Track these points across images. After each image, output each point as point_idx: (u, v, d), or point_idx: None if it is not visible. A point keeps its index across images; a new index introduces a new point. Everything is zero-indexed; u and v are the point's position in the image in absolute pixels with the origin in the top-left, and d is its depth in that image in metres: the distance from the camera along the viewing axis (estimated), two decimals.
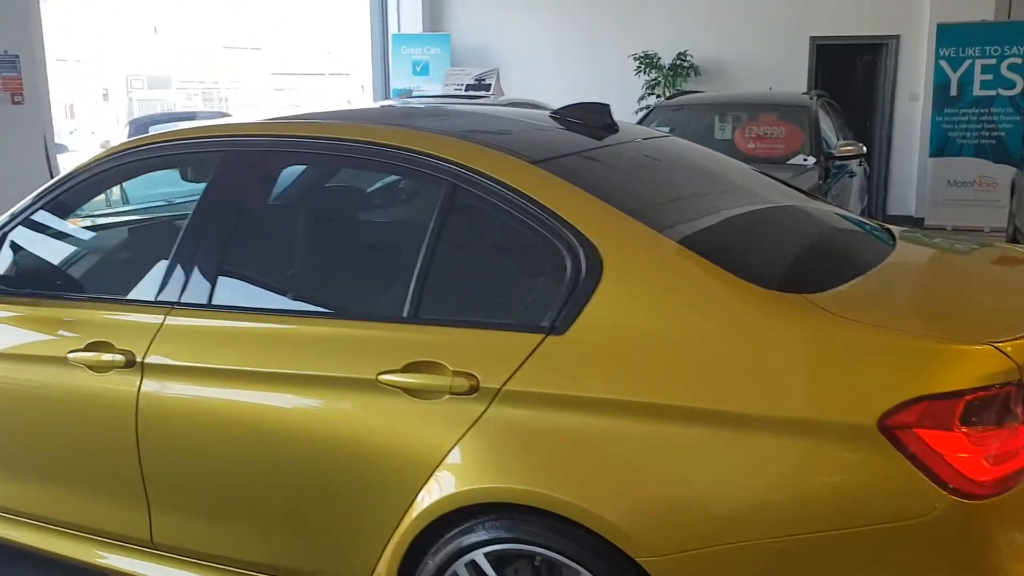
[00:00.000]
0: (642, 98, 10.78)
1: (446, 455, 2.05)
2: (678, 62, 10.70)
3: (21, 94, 7.10)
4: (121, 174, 2.94)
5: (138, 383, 2.45)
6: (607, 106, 2.70)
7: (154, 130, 9.87)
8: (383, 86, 12.30)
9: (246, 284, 2.57)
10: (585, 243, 2.05)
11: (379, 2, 12.20)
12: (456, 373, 2.06)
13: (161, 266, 2.56)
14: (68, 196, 2.84)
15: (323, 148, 2.47)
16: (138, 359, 2.46)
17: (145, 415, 2.45)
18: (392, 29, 12.15)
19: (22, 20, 7.12)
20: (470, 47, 11.82)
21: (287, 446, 2.26)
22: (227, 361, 2.36)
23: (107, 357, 2.50)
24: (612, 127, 2.68)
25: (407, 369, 2.12)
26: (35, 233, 2.89)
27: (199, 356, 2.40)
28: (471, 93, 9.09)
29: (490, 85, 9.16)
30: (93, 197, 2.99)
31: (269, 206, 2.71)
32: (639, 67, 10.75)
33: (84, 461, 2.62)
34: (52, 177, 7.35)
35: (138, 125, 11.69)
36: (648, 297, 2.00)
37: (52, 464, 2.70)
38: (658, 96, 10.80)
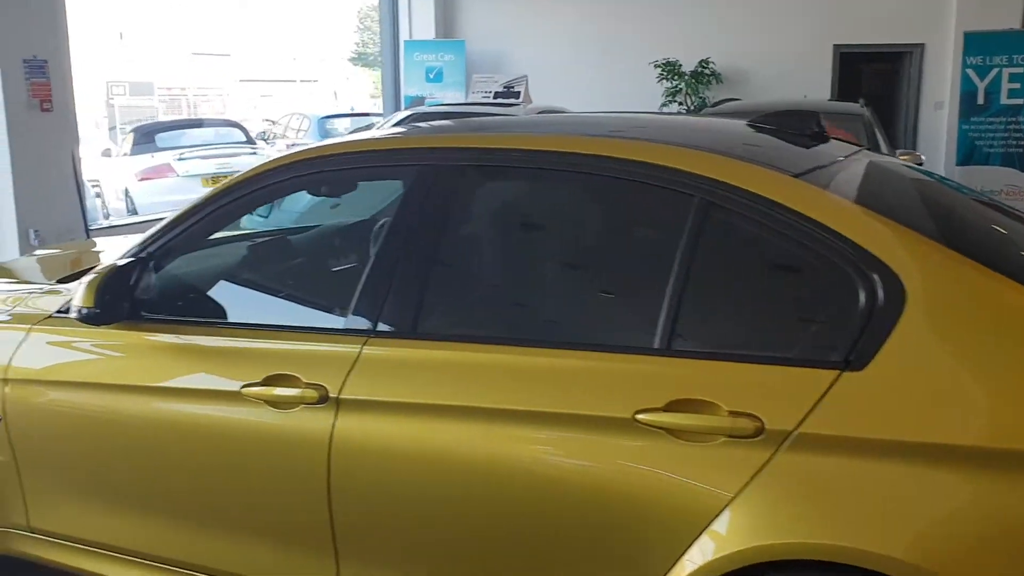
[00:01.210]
0: (663, 105, 10.66)
1: (724, 507, 1.84)
2: (700, 69, 10.59)
3: (50, 101, 6.78)
4: (286, 189, 2.69)
5: (332, 421, 2.21)
6: (816, 114, 2.51)
7: (162, 138, 9.57)
8: (393, 93, 12.06)
9: (460, 310, 2.33)
10: (880, 268, 1.85)
11: (390, 8, 11.97)
12: (734, 414, 1.85)
13: (349, 289, 2.33)
14: (225, 213, 2.59)
15: (549, 163, 2.24)
16: (331, 394, 2.22)
17: (340, 457, 2.21)
18: (403, 35, 11.91)
19: (50, 24, 6.80)
20: (485, 53, 11.62)
21: (521, 494, 2.03)
22: (441, 397, 2.12)
23: (292, 392, 2.26)
24: (823, 137, 2.49)
25: (671, 408, 1.91)
26: (189, 254, 2.63)
27: (406, 391, 2.17)
28: (499, 101, 8.88)
29: (519, 92, 8.95)
30: (252, 211, 2.74)
31: (483, 225, 2.48)
32: (661, 74, 10.62)
33: (258, 506, 2.37)
34: (80, 191, 7.12)
35: (143, 132, 11.36)
36: (959, 328, 1.81)
37: (217, 508, 2.45)
38: (680, 104, 10.69)
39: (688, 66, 10.66)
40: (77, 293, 2.46)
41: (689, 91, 10.58)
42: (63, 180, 6.93)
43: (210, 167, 10.37)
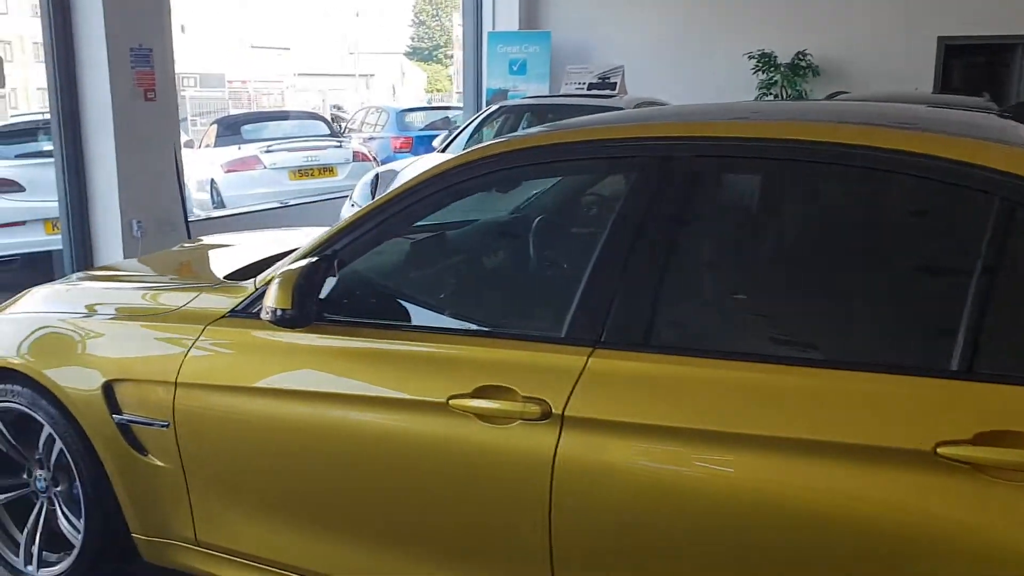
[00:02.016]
0: (757, 99, 10.31)
1: None
2: (797, 61, 10.23)
3: (154, 90, 6.70)
4: (492, 182, 2.48)
5: (555, 440, 2.01)
6: None
7: (247, 130, 9.49)
8: (474, 86, 11.86)
9: (703, 320, 2.11)
10: None
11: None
12: None
13: (567, 292, 2.12)
14: (420, 207, 2.39)
15: (813, 155, 1.98)
16: (555, 410, 2.01)
17: (565, 479, 2.00)
18: (487, 27, 11.71)
19: (155, 12, 6.72)
20: (569, 45, 11.37)
21: (785, 534, 1.80)
22: (684, 419, 1.90)
23: (509, 406, 2.06)
24: None
25: (979, 440, 1.66)
26: (378, 251, 2.44)
27: (641, 411, 1.95)
28: (594, 93, 8.63)
29: (615, 84, 8.71)
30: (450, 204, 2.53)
31: (733, 224, 2.24)
32: (756, 66, 10.28)
33: (461, 527, 2.18)
34: (180, 183, 7.04)
35: (226, 124, 11.33)
36: None
37: (411, 529, 2.26)
38: (775, 96, 10.35)
39: (784, 58, 10.30)
40: (269, 293, 2.28)
41: (785, 83, 10.22)
42: (165, 171, 6.85)
43: (297, 159, 10.27)
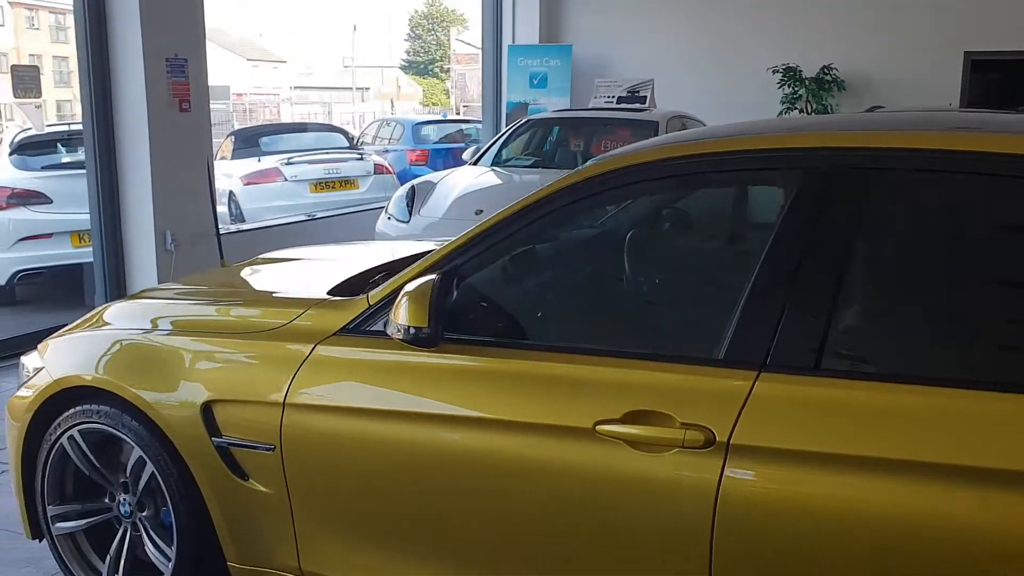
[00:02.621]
0: (780, 113, 10.26)
1: None
2: (822, 75, 10.17)
3: (188, 101, 6.59)
4: (631, 193, 2.37)
5: (719, 470, 1.90)
6: None
7: (264, 143, 9.37)
8: (494, 99, 11.78)
9: (881, 341, 1.99)
10: None
11: (493, 12, 11.70)
12: None
13: (723, 310, 2.01)
14: (551, 220, 2.28)
15: (995, 167, 1.87)
16: (719, 438, 1.90)
17: (728, 512, 1.88)
18: (507, 40, 11.64)
19: (191, 22, 6.62)
20: (591, 59, 11.30)
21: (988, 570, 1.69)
22: (870, 448, 1.79)
23: (666, 433, 1.95)
24: None
25: None
26: (499, 267, 2.34)
27: (822, 439, 1.83)
28: (624, 107, 8.56)
29: (645, 97, 8.63)
30: (588, 218, 2.43)
31: (908, 238, 2.11)
32: (781, 80, 10.23)
33: (610, 560, 2.06)
34: (212, 195, 6.92)
35: (243, 137, 11.23)
36: None
37: (551, 562, 2.14)
38: (800, 111, 10.30)
39: (808, 72, 10.24)
40: (400, 310, 2.17)
41: (811, 98, 10.16)
42: (198, 183, 6.72)
43: (318, 172, 10.17)
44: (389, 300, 2.36)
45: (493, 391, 2.18)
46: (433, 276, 2.23)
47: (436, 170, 12.18)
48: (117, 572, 2.85)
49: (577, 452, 2.05)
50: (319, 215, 9.07)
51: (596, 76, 10.52)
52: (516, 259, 2.39)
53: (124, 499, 2.83)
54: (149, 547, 2.78)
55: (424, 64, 58.91)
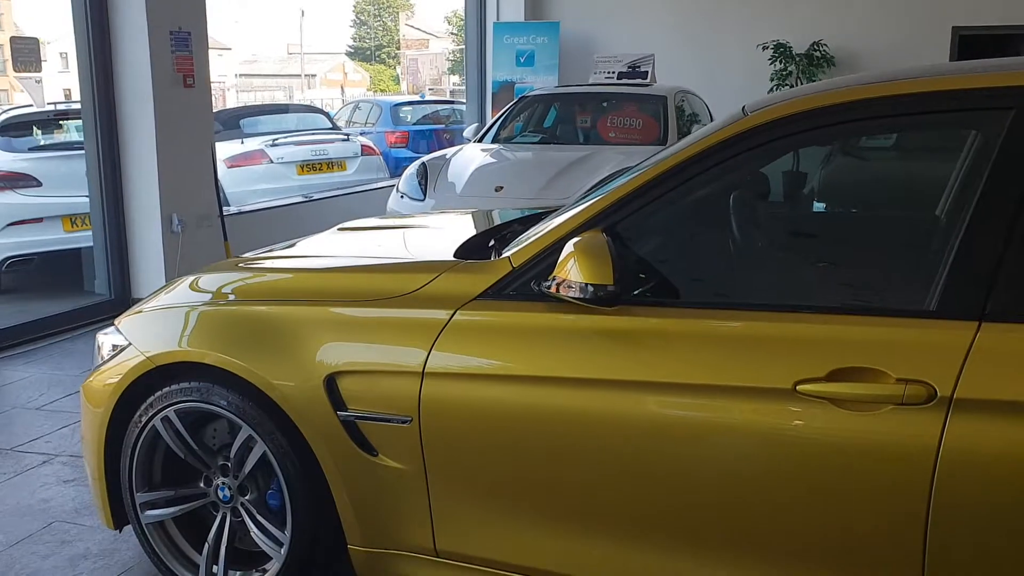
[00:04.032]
0: (771, 90, 10.25)
1: None
2: (812, 51, 10.18)
3: (193, 76, 6.32)
4: (796, 144, 2.23)
5: (941, 426, 1.79)
6: None
7: (246, 124, 9.08)
8: (478, 78, 11.59)
9: None
10: None
11: None
12: None
13: (923, 260, 1.91)
14: (720, 171, 2.14)
15: None
16: (941, 392, 1.79)
17: (951, 470, 1.78)
18: (491, 17, 11.45)
19: None
20: (579, 36, 11.18)
21: None
22: None
23: (880, 389, 1.84)
24: None
25: None
26: (671, 217, 2.19)
27: None
28: (626, 82, 8.44)
29: (646, 72, 8.51)
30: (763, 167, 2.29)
31: None
32: (772, 57, 10.21)
33: (809, 528, 1.95)
34: (216, 176, 6.65)
35: (224, 118, 10.88)
36: None
37: (736, 529, 2.02)
38: (791, 87, 10.29)
39: (799, 48, 10.24)
40: (574, 267, 2.02)
41: (801, 74, 10.17)
42: (202, 163, 6.47)
43: (305, 153, 9.88)
44: (539, 260, 2.21)
45: (676, 353, 2.04)
46: (597, 232, 2.08)
47: (418, 152, 11.97)
48: (216, 562, 2.67)
49: (774, 414, 1.93)
50: (315, 196, 8.81)
51: (584, 54, 10.40)
52: (685, 214, 2.26)
53: (223, 483, 2.65)
54: (255, 532, 2.60)
55: (371, 50, 58.22)
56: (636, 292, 2.12)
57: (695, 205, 2.25)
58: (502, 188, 6.36)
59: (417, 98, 16.45)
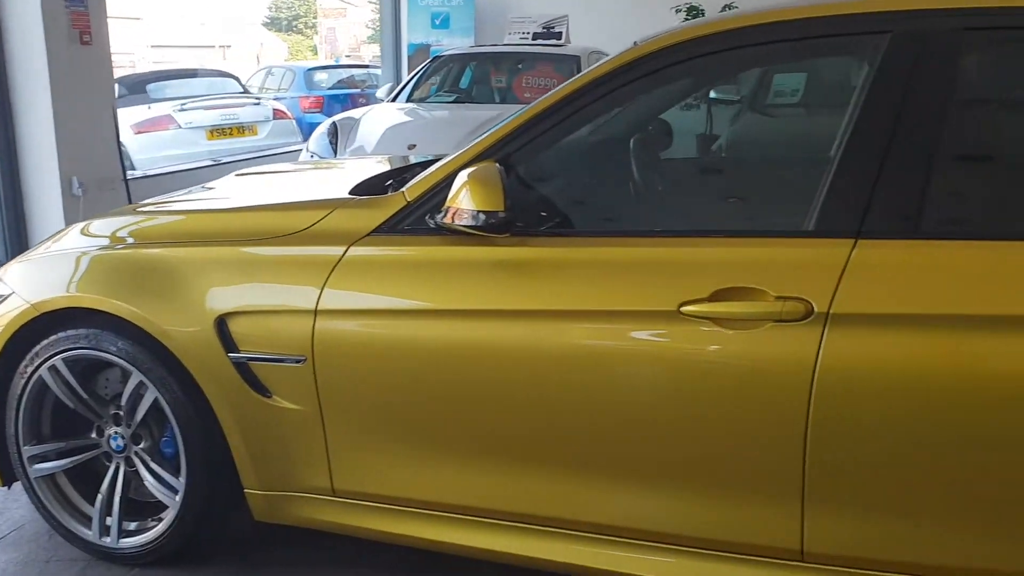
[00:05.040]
0: None
1: None
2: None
3: (89, 33, 6.08)
4: (679, 74, 2.24)
5: (818, 341, 1.84)
6: None
7: (153, 89, 8.82)
8: (393, 41, 11.44)
9: (974, 202, 1.96)
10: None
11: None
12: None
13: (804, 182, 1.95)
14: (612, 100, 2.14)
15: None
16: (818, 308, 1.84)
17: (828, 384, 1.83)
18: None
19: None
20: None
21: None
22: (976, 305, 1.77)
23: (760, 307, 1.88)
24: None
25: None
26: (553, 154, 2.19)
27: (927, 301, 1.79)
28: (541, 42, 8.43)
29: (560, 33, 8.50)
30: (649, 97, 2.30)
31: (1007, 99, 2.08)
32: (686, 19, 10.30)
33: (691, 447, 1.98)
34: (118, 137, 6.42)
35: (131, 83, 10.53)
36: None
37: (626, 454, 2.05)
38: None
39: (711, 11, 10.35)
40: (465, 195, 2.01)
41: None
42: (104, 124, 6.25)
43: (214, 118, 9.63)
44: (434, 194, 2.19)
45: (567, 281, 2.05)
46: (490, 162, 2.07)
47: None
48: (110, 514, 2.60)
49: (660, 336, 1.96)
50: (225, 160, 8.60)
51: (499, 15, 10.33)
52: (577, 144, 2.26)
53: (116, 432, 2.58)
54: (150, 481, 2.55)
55: (288, 20, 56.98)
56: (529, 221, 2.12)
57: (586, 135, 2.26)
58: (415, 146, 6.29)
59: (332, 62, 16.15)
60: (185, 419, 2.41)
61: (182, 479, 2.47)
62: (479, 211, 1.99)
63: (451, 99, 7.78)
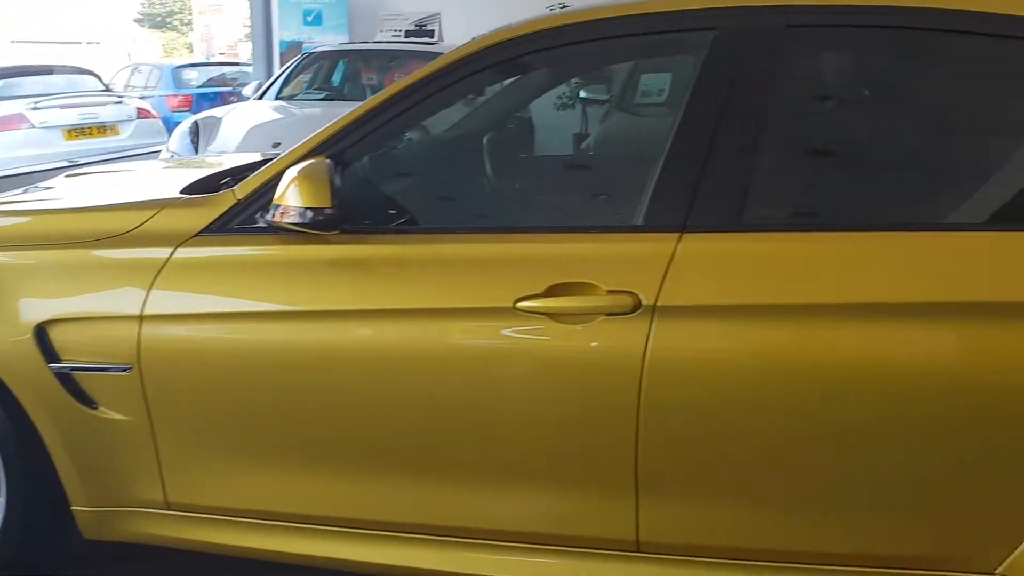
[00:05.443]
0: None
1: None
2: None
3: None
4: (512, 70, 2.23)
5: (646, 333, 1.85)
6: None
7: (2, 86, 8.44)
8: (264, 38, 11.17)
9: (796, 196, 2.00)
10: None
11: None
12: None
13: (634, 178, 1.97)
14: (433, 102, 2.12)
15: (920, 21, 1.87)
16: (645, 301, 1.85)
17: (657, 374, 1.85)
18: None
19: None
20: None
21: (916, 395, 1.76)
22: (796, 295, 1.81)
23: (591, 302, 1.88)
24: None
25: None
26: (390, 150, 2.15)
27: (740, 292, 1.83)
28: (413, 40, 8.37)
29: (433, 31, 8.47)
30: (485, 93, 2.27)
31: (824, 96, 2.11)
32: None
33: (529, 442, 1.97)
34: None
35: None
36: None
37: (466, 453, 2.02)
38: None
39: None
40: (292, 193, 1.94)
41: None
42: None
43: (72, 117, 9.16)
44: (264, 191, 2.12)
45: (402, 279, 2.01)
46: (321, 159, 2.02)
47: None
48: None
49: (496, 333, 1.94)
50: (83, 161, 8.20)
51: (373, 12, 10.20)
52: (415, 139, 2.23)
53: None
54: None
55: (162, 17, 55.16)
56: (362, 218, 2.07)
57: (420, 131, 2.23)
58: (279, 144, 6.14)
59: (201, 60, 15.66)
60: (3, 434, 2.26)
61: (2, 498, 2.32)
62: (306, 208, 1.93)
63: (321, 96, 7.65)
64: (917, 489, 1.81)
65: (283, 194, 1.97)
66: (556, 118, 4.46)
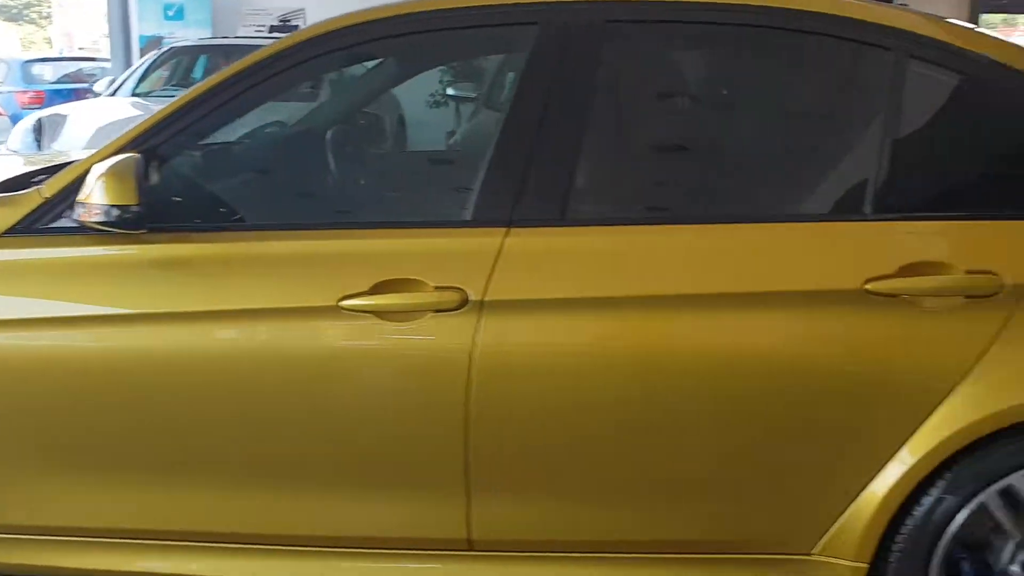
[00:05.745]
0: None
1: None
2: None
3: None
4: (335, 63, 2.16)
5: (473, 329, 1.83)
6: None
7: None
8: (123, 32, 10.68)
9: (620, 189, 2.00)
10: None
11: None
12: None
13: (461, 174, 1.95)
14: (254, 95, 2.03)
15: (737, 17, 1.91)
16: (473, 297, 1.83)
17: (486, 370, 1.83)
18: None
19: None
20: None
21: (735, 382, 1.81)
22: (609, 289, 1.83)
23: (418, 299, 1.84)
24: None
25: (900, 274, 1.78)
26: (209, 145, 2.06)
27: (565, 286, 1.84)
28: (276, 36, 8.17)
29: (297, 27, 8.28)
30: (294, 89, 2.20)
31: (650, 91, 2.11)
32: None
33: (361, 444, 1.93)
34: None
35: None
36: None
37: (294, 458, 1.96)
38: None
39: None
40: (98, 190, 1.83)
41: None
42: None
43: None
44: (74, 189, 2.00)
45: (221, 278, 1.93)
46: (131, 154, 1.91)
47: None
48: None
49: (321, 333, 1.88)
50: None
51: (236, 8, 9.93)
52: (225, 135, 2.14)
53: None
54: None
55: (18, 9, 52.42)
56: (173, 216, 1.98)
57: (234, 127, 2.15)
58: None
59: (54, 55, 14.93)
60: None
61: None
62: (111, 206, 1.83)
63: (175, 94, 7.37)
64: (733, 474, 1.86)
65: (88, 192, 1.86)
66: (428, 115, 4.42)
